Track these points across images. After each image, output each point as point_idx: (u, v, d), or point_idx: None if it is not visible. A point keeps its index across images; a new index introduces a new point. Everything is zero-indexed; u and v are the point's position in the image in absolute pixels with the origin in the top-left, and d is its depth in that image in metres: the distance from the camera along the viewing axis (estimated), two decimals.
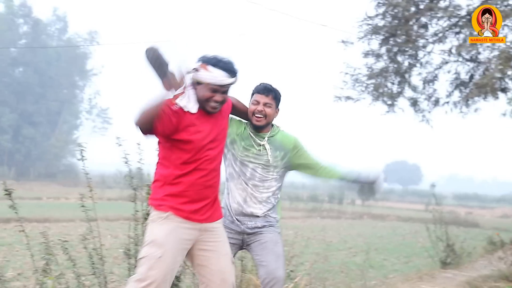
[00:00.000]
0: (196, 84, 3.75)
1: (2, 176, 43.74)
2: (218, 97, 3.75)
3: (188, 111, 3.72)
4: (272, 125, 4.47)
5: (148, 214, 4.61)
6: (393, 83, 12.46)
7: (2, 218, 15.83)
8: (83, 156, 4.70)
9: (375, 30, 11.61)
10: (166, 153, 3.79)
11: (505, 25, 10.21)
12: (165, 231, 3.66)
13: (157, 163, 3.87)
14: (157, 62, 3.66)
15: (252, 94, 4.39)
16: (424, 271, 9.80)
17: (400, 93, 12.60)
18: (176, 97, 3.72)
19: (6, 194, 4.18)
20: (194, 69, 3.69)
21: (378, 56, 12.12)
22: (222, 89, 3.74)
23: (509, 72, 10.17)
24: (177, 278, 4.81)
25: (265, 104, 4.29)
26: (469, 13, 10.63)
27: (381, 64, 12.21)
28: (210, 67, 3.68)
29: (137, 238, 4.70)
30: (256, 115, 4.28)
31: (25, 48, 55.53)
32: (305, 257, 9.72)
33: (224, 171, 4.34)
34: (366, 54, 12.15)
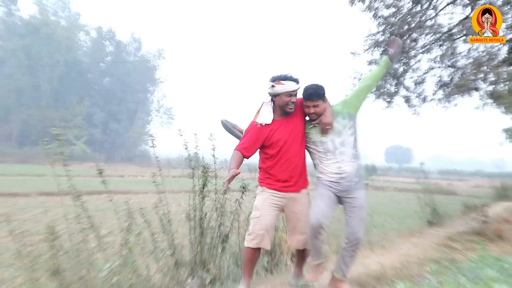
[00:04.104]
0: (274, 97, 4.08)
1: (95, 159, 44.60)
2: (293, 98, 4.10)
3: (266, 124, 4.13)
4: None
5: (203, 187, 4.71)
6: (391, 85, 12.36)
7: (96, 191, 16.17)
8: (153, 144, 4.78)
9: (377, 44, 11.54)
10: (261, 153, 4.26)
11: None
12: (262, 199, 4.18)
13: (260, 157, 4.30)
14: (229, 130, 4.44)
15: (303, 100, 4.24)
16: (415, 229, 9.72)
17: (396, 93, 12.49)
18: (255, 118, 4.15)
19: (98, 173, 4.28)
20: (272, 86, 4.01)
21: (379, 64, 12.04)
22: (294, 93, 4.10)
23: (480, 75, 10.00)
24: (226, 236, 4.87)
25: (314, 106, 4.15)
26: (450, 30, 10.47)
27: None
28: (282, 81, 4.00)
29: (195, 206, 4.75)
30: (311, 117, 4.22)
31: (110, 63, 56.18)
32: None
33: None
34: (370, 62, 12.08)
